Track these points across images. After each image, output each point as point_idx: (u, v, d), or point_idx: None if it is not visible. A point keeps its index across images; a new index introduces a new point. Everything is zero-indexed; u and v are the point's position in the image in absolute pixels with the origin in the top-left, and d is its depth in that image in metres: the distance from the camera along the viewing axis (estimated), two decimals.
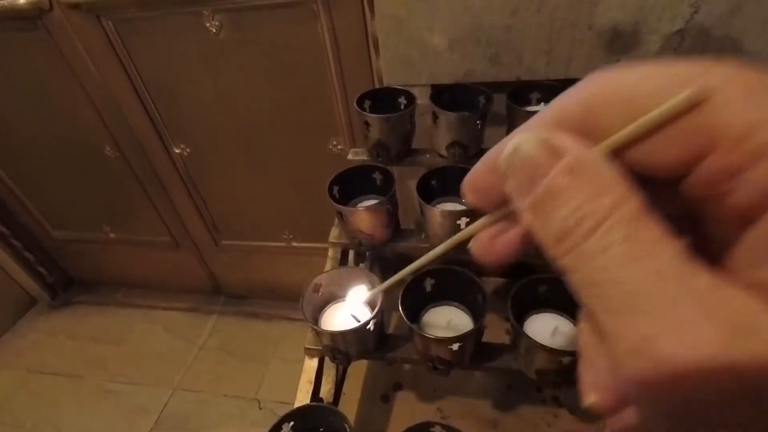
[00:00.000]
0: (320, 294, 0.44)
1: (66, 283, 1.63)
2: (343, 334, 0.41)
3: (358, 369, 0.62)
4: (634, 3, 0.51)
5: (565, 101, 0.15)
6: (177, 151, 1.14)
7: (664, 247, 0.11)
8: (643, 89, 0.13)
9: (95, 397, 1.31)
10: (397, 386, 0.60)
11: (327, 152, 1.07)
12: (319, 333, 0.43)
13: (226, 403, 1.27)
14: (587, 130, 0.14)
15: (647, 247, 0.11)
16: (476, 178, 0.16)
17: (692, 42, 0.53)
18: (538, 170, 0.13)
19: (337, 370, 0.52)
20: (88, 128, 1.10)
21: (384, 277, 0.73)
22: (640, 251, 0.11)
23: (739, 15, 0.50)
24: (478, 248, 0.17)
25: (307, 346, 0.47)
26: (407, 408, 0.58)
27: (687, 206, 0.14)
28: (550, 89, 0.55)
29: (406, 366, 0.61)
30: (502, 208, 0.16)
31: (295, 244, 1.32)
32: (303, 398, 0.45)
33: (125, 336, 1.47)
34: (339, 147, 1.03)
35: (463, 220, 0.45)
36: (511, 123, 0.52)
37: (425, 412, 0.57)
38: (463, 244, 0.18)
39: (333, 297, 0.46)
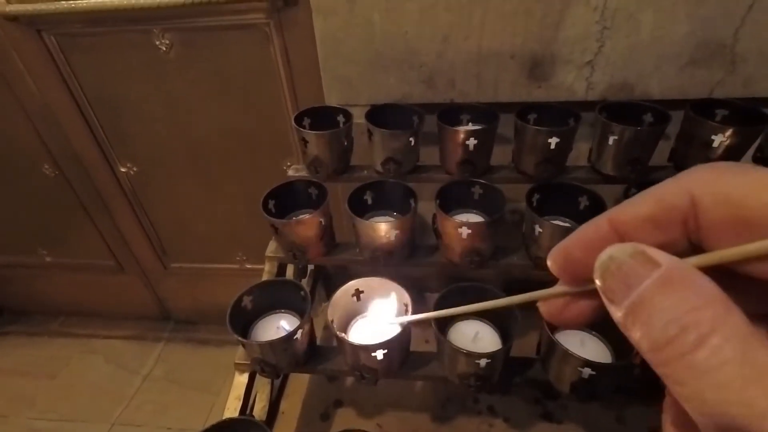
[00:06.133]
0: (248, 307, 0.44)
1: None
2: (271, 344, 0.40)
3: (298, 387, 0.61)
4: (548, 36, 0.57)
5: (669, 189, 0.15)
6: (123, 169, 1.10)
7: None
8: (756, 198, 0.13)
9: None
10: (338, 403, 0.59)
11: (281, 173, 1.07)
12: (246, 345, 0.42)
13: None
14: (688, 223, 0.15)
15: (766, 368, 0.11)
16: (565, 252, 0.17)
17: (601, 72, 0.59)
18: (633, 277, 0.14)
19: (272, 387, 0.51)
20: (24, 145, 1.05)
21: (328, 293, 0.73)
22: (760, 373, 0.11)
23: (637, 51, 0.56)
24: (549, 312, 0.18)
25: (236, 361, 0.46)
26: (347, 425, 0.57)
27: None
28: (479, 111, 0.58)
29: (347, 382, 0.61)
30: (583, 285, 0.17)
31: (248, 266, 1.29)
32: (230, 416, 0.43)
33: (59, 369, 1.35)
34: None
35: (393, 232, 0.46)
36: (443, 142, 0.55)
37: (364, 428, 0.56)
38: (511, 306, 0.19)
39: (263, 311, 0.46)
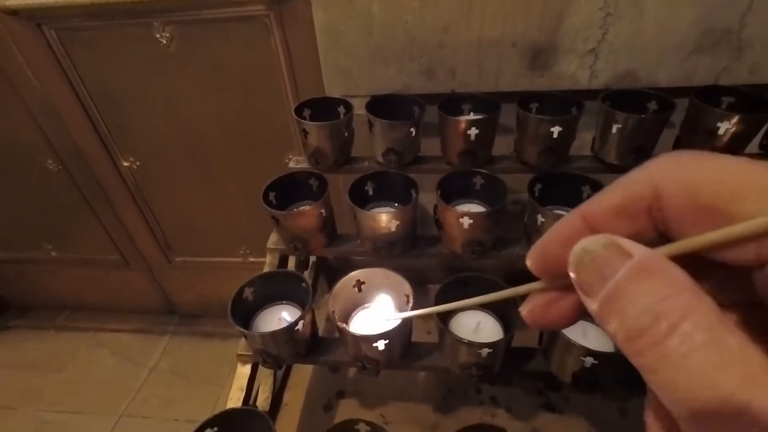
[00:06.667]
0: (250, 299, 0.44)
1: (0, 306, 1.51)
2: (273, 335, 0.41)
3: (301, 378, 0.61)
4: (551, 25, 0.56)
5: (635, 179, 0.15)
6: (126, 164, 1.10)
7: (751, 351, 0.12)
8: (714, 185, 0.14)
9: (29, 430, 1.21)
10: (340, 394, 0.60)
11: (283, 166, 1.07)
12: (248, 336, 0.42)
13: (177, 428, 1.20)
14: (653, 212, 0.15)
15: (735, 352, 0.12)
16: (542, 251, 0.17)
17: (604, 60, 0.58)
18: (607, 269, 0.14)
19: (275, 379, 0.51)
20: (27, 141, 1.05)
21: (330, 284, 0.73)
22: (729, 357, 0.12)
23: (641, 38, 0.55)
24: (531, 315, 0.18)
25: (238, 353, 0.46)
26: (350, 415, 0.57)
27: (760, 293, 0.14)
28: (480, 100, 0.58)
29: (350, 373, 0.61)
30: (561, 278, 0.17)
31: (252, 259, 1.29)
32: (233, 406, 0.44)
33: (66, 362, 1.37)
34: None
35: (394, 223, 0.46)
36: (444, 132, 0.55)
37: (367, 419, 0.57)
38: (511, 298, 0.19)
39: (265, 303, 0.46)
